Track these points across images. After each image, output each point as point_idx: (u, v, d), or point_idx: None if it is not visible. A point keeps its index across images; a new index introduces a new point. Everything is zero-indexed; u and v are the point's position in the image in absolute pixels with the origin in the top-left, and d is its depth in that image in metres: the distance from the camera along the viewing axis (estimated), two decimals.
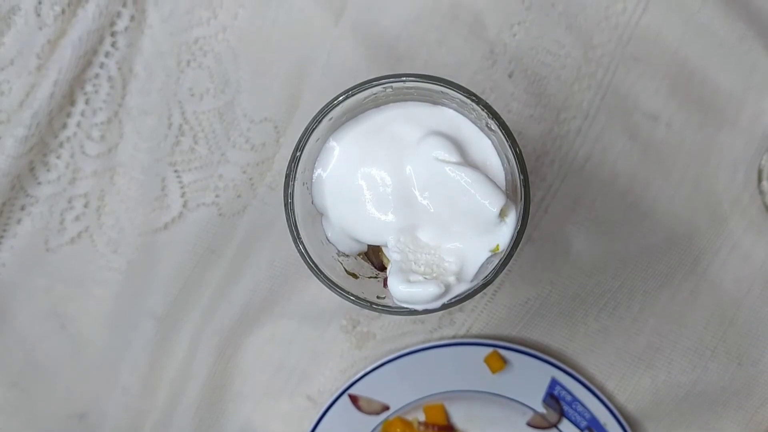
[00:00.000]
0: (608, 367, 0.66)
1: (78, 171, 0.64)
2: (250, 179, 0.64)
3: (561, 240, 0.64)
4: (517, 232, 0.44)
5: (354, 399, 0.65)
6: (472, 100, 0.44)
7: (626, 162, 0.63)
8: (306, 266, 0.45)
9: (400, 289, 0.43)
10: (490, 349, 0.64)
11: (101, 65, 0.62)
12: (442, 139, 0.44)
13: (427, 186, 0.44)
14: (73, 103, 0.62)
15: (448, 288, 0.44)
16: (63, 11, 0.60)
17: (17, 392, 0.68)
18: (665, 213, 0.63)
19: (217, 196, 0.64)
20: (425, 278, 0.43)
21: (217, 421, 0.68)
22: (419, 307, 0.44)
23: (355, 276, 0.48)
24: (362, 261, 0.49)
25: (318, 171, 0.46)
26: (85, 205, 0.65)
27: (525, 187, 0.44)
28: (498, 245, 0.44)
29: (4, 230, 0.65)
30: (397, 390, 0.65)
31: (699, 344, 0.65)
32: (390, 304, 0.44)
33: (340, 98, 0.45)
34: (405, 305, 0.44)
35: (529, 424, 0.66)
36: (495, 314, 0.65)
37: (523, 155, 0.44)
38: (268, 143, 0.64)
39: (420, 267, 0.45)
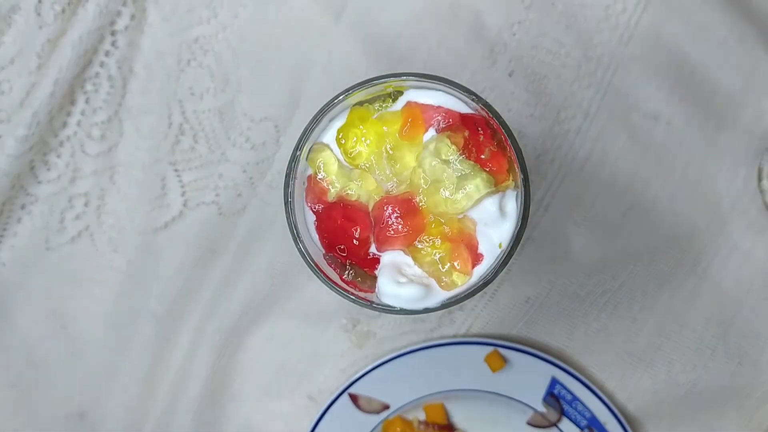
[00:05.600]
0: (608, 367, 0.66)
1: (78, 170, 0.64)
2: (251, 178, 0.64)
3: (561, 239, 0.64)
4: (518, 231, 0.44)
5: (354, 398, 0.65)
6: (473, 99, 0.44)
7: (626, 161, 0.63)
8: (306, 265, 0.45)
9: (386, 287, 0.44)
10: (490, 348, 0.64)
11: (101, 64, 0.62)
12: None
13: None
14: (73, 102, 0.62)
15: (430, 291, 0.44)
16: (63, 10, 0.60)
17: (17, 391, 0.68)
18: (665, 212, 0.63)
19: (217, 195, 0.64)
20: (411, 280, 0.44)
21: (218, 420, 0.68)
22: (418, 306, 0.44)
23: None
24: None
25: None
26: (86, 204, 0.65)
27: (525, 186, 0.44)
28: (500, 243, 0.44)
29: (5, 229, 0.65)
30: (398, 389, 0.65)
31: (699, 344, 0.65)
32: (390, 304, 0.44)
33: (340, 97, 0.45)
34: (388, 302, 0.44)
35: (530, 423, 0.66)
36: (495, 313, 0.65)
37: (523, 154, 0.44)
38: (268, 142, 0.64)
39: (409, 268, 0.45)
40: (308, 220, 0.47)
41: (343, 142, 0.45)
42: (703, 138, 0.63)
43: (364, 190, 0.45)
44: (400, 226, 0.43)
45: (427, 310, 0.44)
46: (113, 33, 0.62)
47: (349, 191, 0.45)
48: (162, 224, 0.65)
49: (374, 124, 0.45)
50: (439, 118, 0.44)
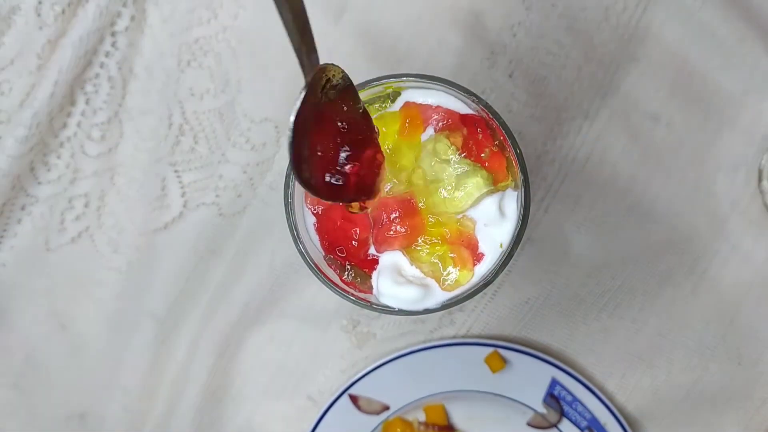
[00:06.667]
0: (608, 367, 0.66)
1: (78, 171, 0.64)
2: (251, 179, 0.64)
3: (561, 240, 0.64)
4: (518, 232, 0.44)
5: (354, 399, 0.65)
6: (473, 100, 0.44)
7: (626, 162, 0.63)
8: (306, 266, 0.45)
9: (385, 288, 0.44)
10: (490, 349, 0.64)
11: (101, 65, 0.62)
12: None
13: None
14: (73, 103, 0.62)
15: (429, 291, 0.44)
16: (63, 11, 0.60)
17: (17, 392, 0.68)
18: (665, 213, 0.63)
19: (217, 196, 0.64)
20: (410, 281, 0.44)
21: (218, 421, 0.68)
22: (418, 307, 0.44)
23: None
24: None
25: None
26: (86, 205, 0.65)
27: (525, 187, 0.44)
28: (501, 243, 0.44)
29: (5, 230, 0.65)
30: (398, 390, 0.65)
31: (699, 344, 0.65)
32: (389, 304, 0.44)
33: None
34: (387, 303, 0.44)
35: (530, 424, 0.66)
36: (495, 314, 0.65)
37: (524, 155, 0.44)
38: (269, 143, 0.64)
39: (409, 268, 0.45)
40: (308, 221, 0.47)
41: None
42: (703, 138, 0.63)
43: None
44: (399, 227, 0.43)
45: (427, 311, 0.44)
46: (113, 34, 0.62)
47: None
48: (162, 225, 0.65)
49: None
50: (438, 117, 0.44)
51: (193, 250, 0.65)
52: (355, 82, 0.45)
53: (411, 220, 0.44)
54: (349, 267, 0.46)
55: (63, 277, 0.66)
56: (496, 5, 0.62)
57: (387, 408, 0.65)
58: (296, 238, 0.45)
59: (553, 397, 0.65)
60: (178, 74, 0.63)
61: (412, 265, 0.44)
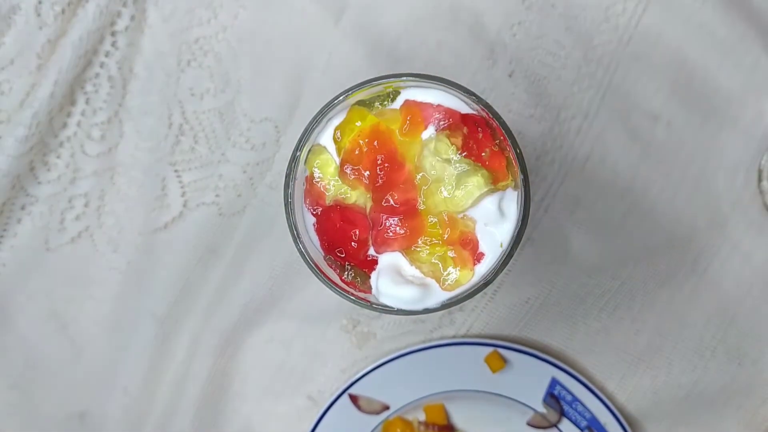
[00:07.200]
0: (608, 367, 0.66)
1: (78, 170, 0.64)
2: (250, 179, 0.64)
3: (561, 240, 0.64)
4: (518, 232, 0.44)
5: (354, 399, 0.65)
6: (473, 100, 0.44)
7: (626, 162, 0.63)
8: (306, 266, 0.45)
9: (385, 288, 0.43)
10: (490, 349, 0.64)
11: (101, 65, 0.62)
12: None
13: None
14: (73, 102, 0.62)
15: (429, 291, 0.44)
16: (63, 11, 0.60)
17: (17, 392, 0.68)
18: (665, 213, 0.63)
19: (217, 195, 0.64)
20: (410, 281, 0.44)
21: (217, 421, 0.68)
22: (417, 307, 0.44)
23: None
24: None
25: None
26: (86, 205, 0.65)
27: (525, 187, 0.44)
28: (501, 243, 0.44)
29: (5, 230, 0.65)
30: (398, 390, 0.65)
31: (699, 344, 0.65)
32: (389, 304, 0.44)
33: (340, 98, 0.45)
34: (387, 302, 0.44)
35: (530, 424, 0.66)
36: (495, 314, 0.65)
37: (523, 155, 0.44)
38: (269, 143, 0.64)
39: (409, 268, 0.45)
40: (308, 221, 0.47)
41: (340, 139, 0.45)
42: (703, 138, 0.63)
43: (360, 192, 0.45)
44: (398, 228, 0.43)
45: (426, 311, 0.44)
46: (113, 33, 0.62)
47: (343, 195, 0.45)
48: (162, 225, 0.65)
49: (372, 121, 0.45)
50: (438, 116, 0.44)
51: (193, 249, 0.65)
52: (355, 82, 0.45)
53: (411, 222, 0.43)
54: (348, 267, 0.46)
55: (63, 276, 0.66)
56: (496, 5, 0.62)
57: (387, 408, 0.65)
58: (296, 238, 0.45)
59: (553, 397, 0.65)
60: (178, 74, 0.63)
61: (411, 265, 0.44)
